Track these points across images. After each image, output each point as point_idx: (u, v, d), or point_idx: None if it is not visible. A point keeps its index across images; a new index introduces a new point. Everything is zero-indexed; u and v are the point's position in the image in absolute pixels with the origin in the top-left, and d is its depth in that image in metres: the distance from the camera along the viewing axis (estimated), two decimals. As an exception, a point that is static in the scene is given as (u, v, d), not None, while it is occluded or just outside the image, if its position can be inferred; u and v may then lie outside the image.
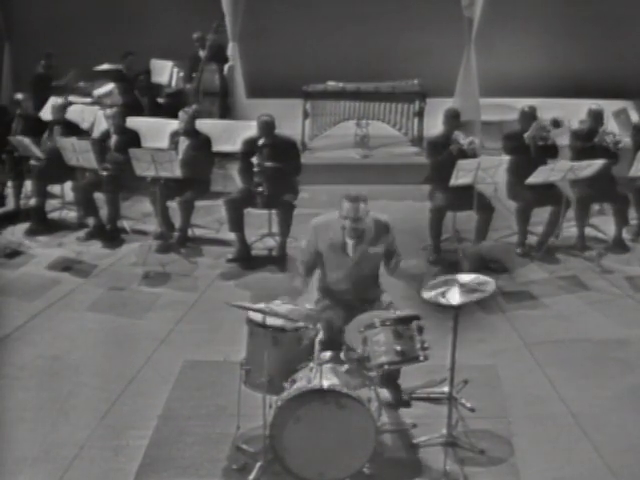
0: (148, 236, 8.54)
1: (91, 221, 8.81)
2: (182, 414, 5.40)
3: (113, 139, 8.78)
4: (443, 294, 4.76)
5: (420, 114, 10.89)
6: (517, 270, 7.96)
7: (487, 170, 7.72)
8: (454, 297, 4.72)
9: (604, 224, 8.77)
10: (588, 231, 8.59)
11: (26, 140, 8.68)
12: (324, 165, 10.36)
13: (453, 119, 8.23)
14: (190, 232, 8.68)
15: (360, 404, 4.51)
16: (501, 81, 11.49)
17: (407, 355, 4.64)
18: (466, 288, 4.77)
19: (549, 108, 9.27)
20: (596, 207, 9.09)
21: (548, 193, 8.18)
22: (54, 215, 9.29)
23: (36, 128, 9.24)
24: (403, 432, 5.14)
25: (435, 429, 5.05)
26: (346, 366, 4.73)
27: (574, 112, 9.37)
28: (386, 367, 4.67)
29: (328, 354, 4.78)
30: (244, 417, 4.99)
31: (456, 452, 4.93)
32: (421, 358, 4.70)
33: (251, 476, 4.68)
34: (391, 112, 10.93)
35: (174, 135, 8.63)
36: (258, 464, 4.71)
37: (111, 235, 8.69)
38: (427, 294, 4.80)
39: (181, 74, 12.11)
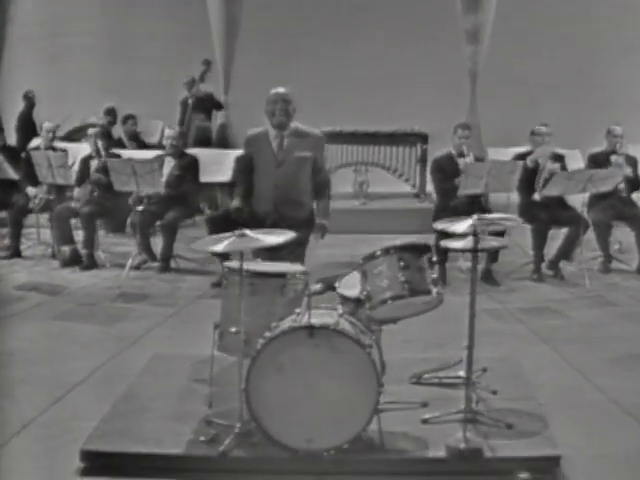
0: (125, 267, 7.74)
1: (66, 249, 8.07)
2: (146, 394, 4.50)
3: (94, 162, 8.19)
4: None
5: (423, 160, 10.26)
6: (534, 290, 7.22)
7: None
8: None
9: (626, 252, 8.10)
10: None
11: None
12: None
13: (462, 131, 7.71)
14: (174, 263, 7.95)
15: (358, 346, 3.65)
16: (504, 131, 11.01)
17: (416, 287, 3.77)
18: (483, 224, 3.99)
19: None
20: (615, 247, 8.36)
21: (564, 213, 7.58)
22: (27, 253, 8.58)
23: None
24: (411, 411, 4.23)
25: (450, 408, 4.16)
26: (340, 308, 3.89)
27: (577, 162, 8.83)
28: (390, 302, 3.79)
29: (319, 286, 3.95)
30: (218, 399, 4.19)
31: (477, 428, 4.02)
32: (434, 293, 3.83)
33: (222, 447, 3.78)
34: (392, 157, 10.35)
35: (159, 157, 8.07)
36: (231, 435, 3.82)
37: (87, 264, 7.95)
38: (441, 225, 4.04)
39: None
